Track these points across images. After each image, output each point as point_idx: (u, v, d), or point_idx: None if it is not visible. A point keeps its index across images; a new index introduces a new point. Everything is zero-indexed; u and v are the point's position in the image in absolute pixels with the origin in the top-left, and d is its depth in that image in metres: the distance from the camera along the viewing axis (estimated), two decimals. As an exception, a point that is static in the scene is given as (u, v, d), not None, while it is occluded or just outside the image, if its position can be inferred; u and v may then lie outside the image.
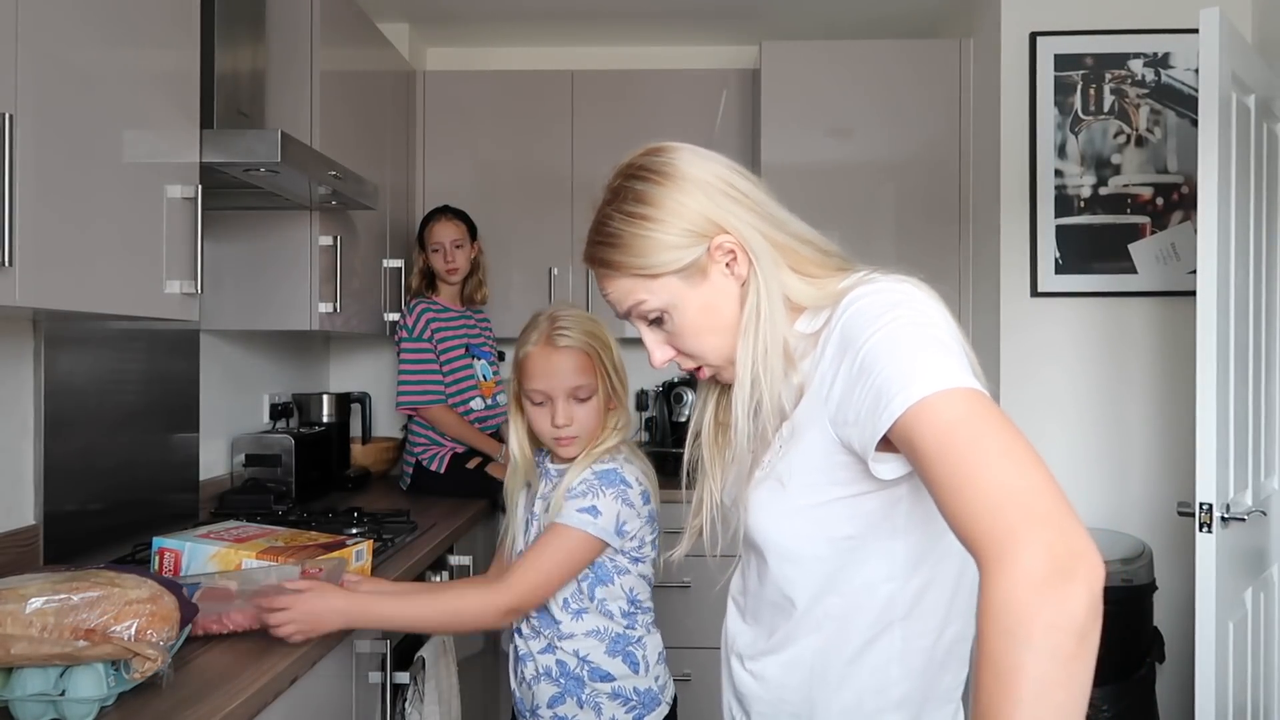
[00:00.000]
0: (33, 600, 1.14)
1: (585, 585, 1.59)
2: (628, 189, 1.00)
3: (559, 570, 1.53)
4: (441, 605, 1.57)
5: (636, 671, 1.60)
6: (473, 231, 3.01)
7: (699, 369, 1.06)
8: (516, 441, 1.64)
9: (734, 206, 0.99)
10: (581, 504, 1.54)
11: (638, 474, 1.59)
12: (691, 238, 0.98)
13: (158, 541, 1.68)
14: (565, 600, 1.59)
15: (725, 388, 1.07)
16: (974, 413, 0.82)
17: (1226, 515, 2.04)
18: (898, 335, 0.88)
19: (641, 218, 0.99)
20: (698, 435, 1.11)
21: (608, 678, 1.59)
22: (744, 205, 1.00)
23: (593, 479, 1.55)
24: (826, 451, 0.94)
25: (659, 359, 1.05)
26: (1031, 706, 0.68)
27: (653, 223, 0.98)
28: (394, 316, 2.98)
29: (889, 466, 0.91)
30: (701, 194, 0.98)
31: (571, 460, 1.59)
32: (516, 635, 1.66)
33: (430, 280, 2.99)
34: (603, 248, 1.02)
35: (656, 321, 1.03)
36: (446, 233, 2.94)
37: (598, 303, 3.31)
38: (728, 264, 1.00)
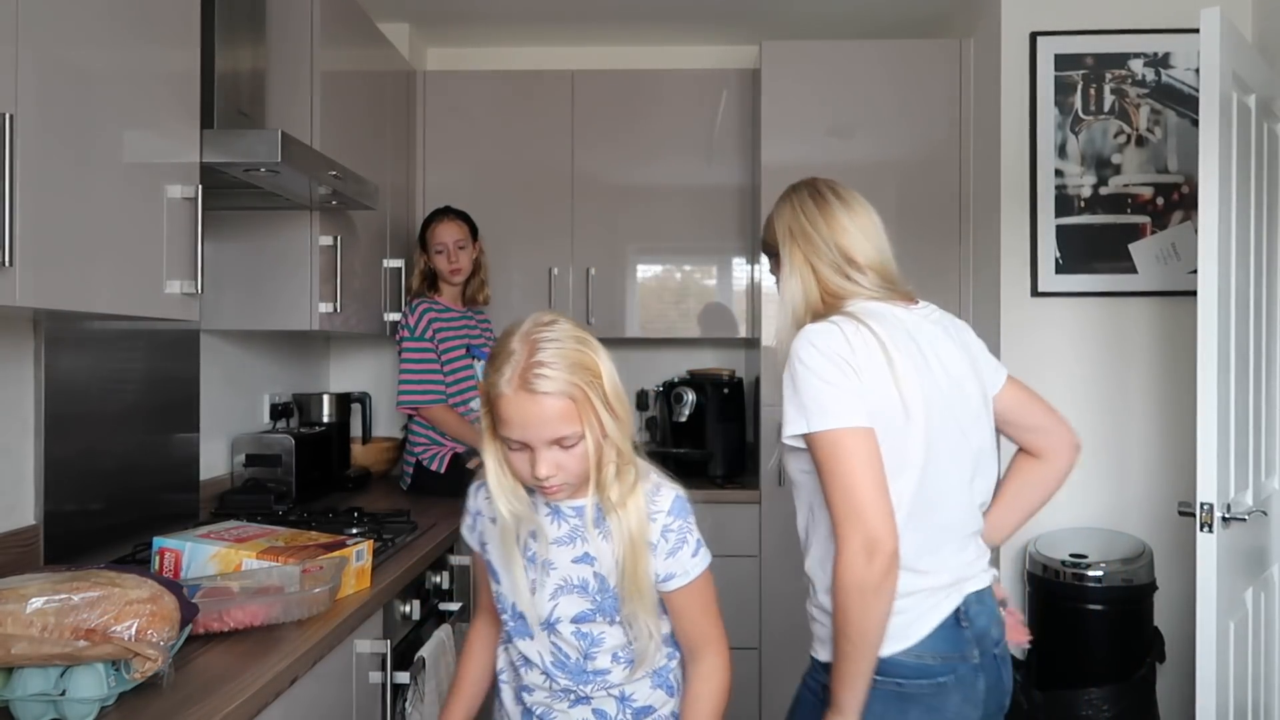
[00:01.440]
0: (33, 600, 1.14)
1: None
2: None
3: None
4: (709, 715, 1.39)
5: (673, 695, 1.44)
6: (474, 232, 3.01)
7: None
8: (498, 483, 1.33)
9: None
10: (690, 550, 1.38)
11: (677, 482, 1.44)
12: None
13: (158, 541, 1.69)
14: (616, 653, 1.38)
15: None
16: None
17: (1227, 515, 2.04)
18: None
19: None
20: None
21: (648, 711, 1.42)
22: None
23: (671, 521, 1.38)
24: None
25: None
26: (848, 624, 1.32)
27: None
28: (394, 316, 2.98)
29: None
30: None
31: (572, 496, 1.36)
32: (525, 693, 1.43)
33: (431, 281, 2.99)
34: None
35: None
36: (450, 233, 2.94)
37: (597, 303, 3.31)
38: None
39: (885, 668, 1.38)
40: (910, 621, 1.40)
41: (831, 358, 1.37)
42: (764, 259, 1.71)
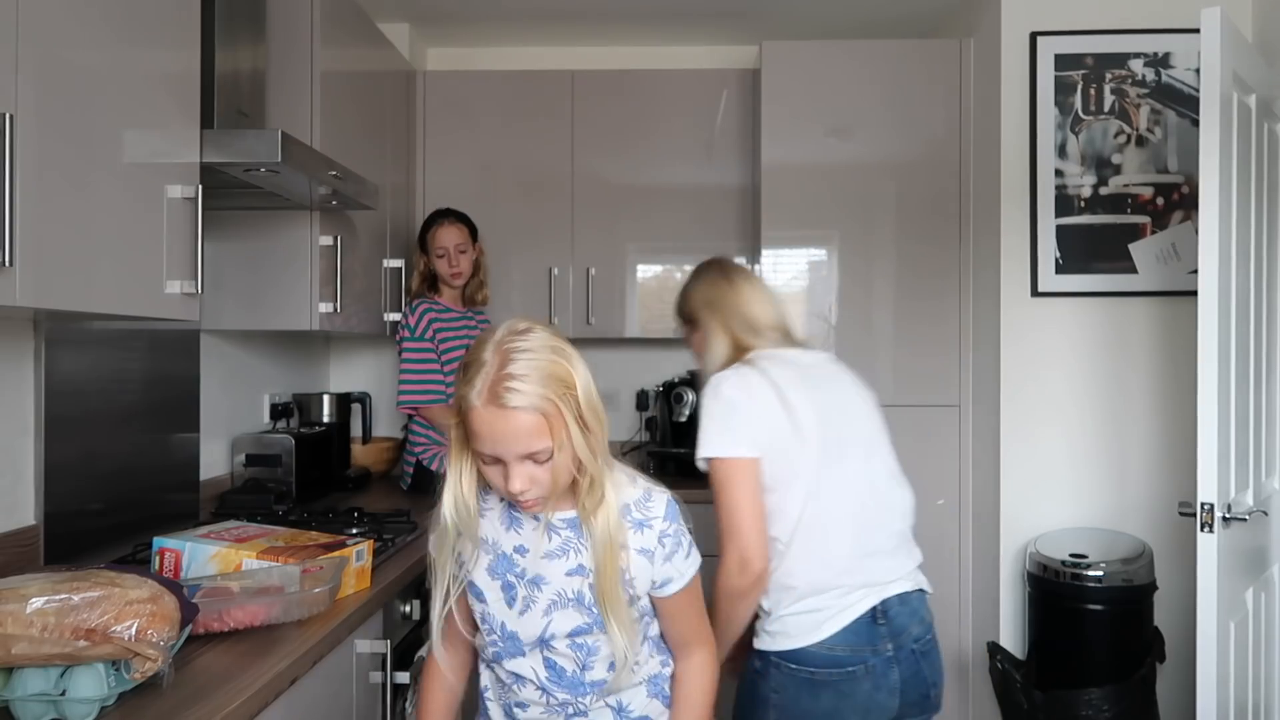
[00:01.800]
0: (33, 600, 1.14)
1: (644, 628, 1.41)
2: None
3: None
4: (699, 712, 1.43)
5: (669, 705, 1.43)
6: (474, 234, 3.01)
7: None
8: (453, 490, 1.31)
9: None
10: (684, 553, 1.39)
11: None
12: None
13: (158, 541, 1.69)
14: (613, 662, 1.35)
15: None
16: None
17: (1228, 515, 2.04)
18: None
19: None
20: None
21: None
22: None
23: (668, 526, 1.37)
24: None
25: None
26: (719, 620, 1.61)
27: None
28: (394, 316, 2.98)
29: None
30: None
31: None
32: (518, 709, 1.40)
33: (432, 282, 2.99)
34: None
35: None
36: (450, 237, 2.94)
37: (597, 303, 3.31)
38: None
39: (799, 657, 1.64)
40: (823, 620, 1.64)
41: (727, 400, 1.71)
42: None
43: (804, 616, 1.65)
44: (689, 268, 3.39)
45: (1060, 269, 2.82)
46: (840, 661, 1.63)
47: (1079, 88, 2.82)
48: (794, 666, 1.64)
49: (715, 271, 1.93)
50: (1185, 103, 2.79)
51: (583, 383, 1.27)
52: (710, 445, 1.69)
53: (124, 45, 1.53)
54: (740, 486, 1.65)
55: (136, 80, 1.57)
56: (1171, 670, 2.70)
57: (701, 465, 1.72)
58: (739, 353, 1.81)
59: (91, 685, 1.14)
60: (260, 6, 2.22)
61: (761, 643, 1.70)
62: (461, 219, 2.98)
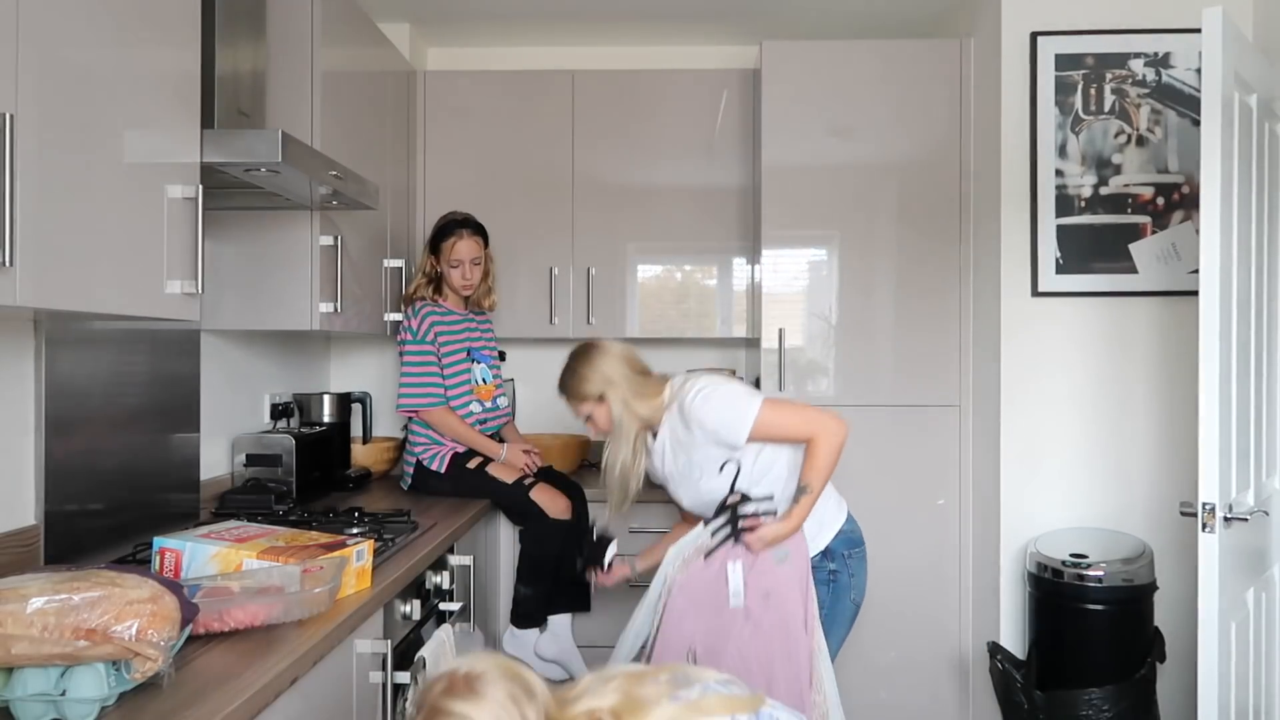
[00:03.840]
0: (34, 600, 1.14)
1: None
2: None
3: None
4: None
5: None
6: (486, 242, 3.00)
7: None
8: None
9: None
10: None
11: None
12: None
13: (158, 541, 1.69)
14: None
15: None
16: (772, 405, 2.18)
17: (1229, 515, 2.04)
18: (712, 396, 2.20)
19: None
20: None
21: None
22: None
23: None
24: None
25: (592, 434, 2.35)
26: (830, 467, 2.15)
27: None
28: (395, 316, 2.98)
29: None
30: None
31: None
32: None
33: (436, 285, 2.98)
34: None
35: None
36: (469, 251, 2.91)
37: (597, 303, 3.31)
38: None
39: (848, 539, 2.27)
40: (833, 519, 2.28)
41: (720, 384, 2.23)
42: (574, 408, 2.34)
43: (830, 514, 2.27)
44: (689, 268, 3.43)
45: (1060, 269, 2.82)
46: (857, 539, 2.30)
47: (1079, 88, 2.82)
48: (847, 551, 2.25)
49: (597, 354, 2.30)
50: (1186, 103, 2.79)
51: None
52: (746, 406, 2.15)
53: (124, 45, 1.53)
54: (783, 406, 2.18)
55: (137, 80, 1.57)
56: (1171, 670, 2.70)
57: (747, 428, 2.14)
58: (657, 402, 2.26)
59: (92, 685, 1.14)
60: (260, 6, 2.22)
61: (819, 544, 2.22)
62: (478, 230, 2.95)
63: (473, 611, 2.53)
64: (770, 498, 2.15)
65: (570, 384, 2.30)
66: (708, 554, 2.13)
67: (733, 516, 2.13)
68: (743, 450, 2.18)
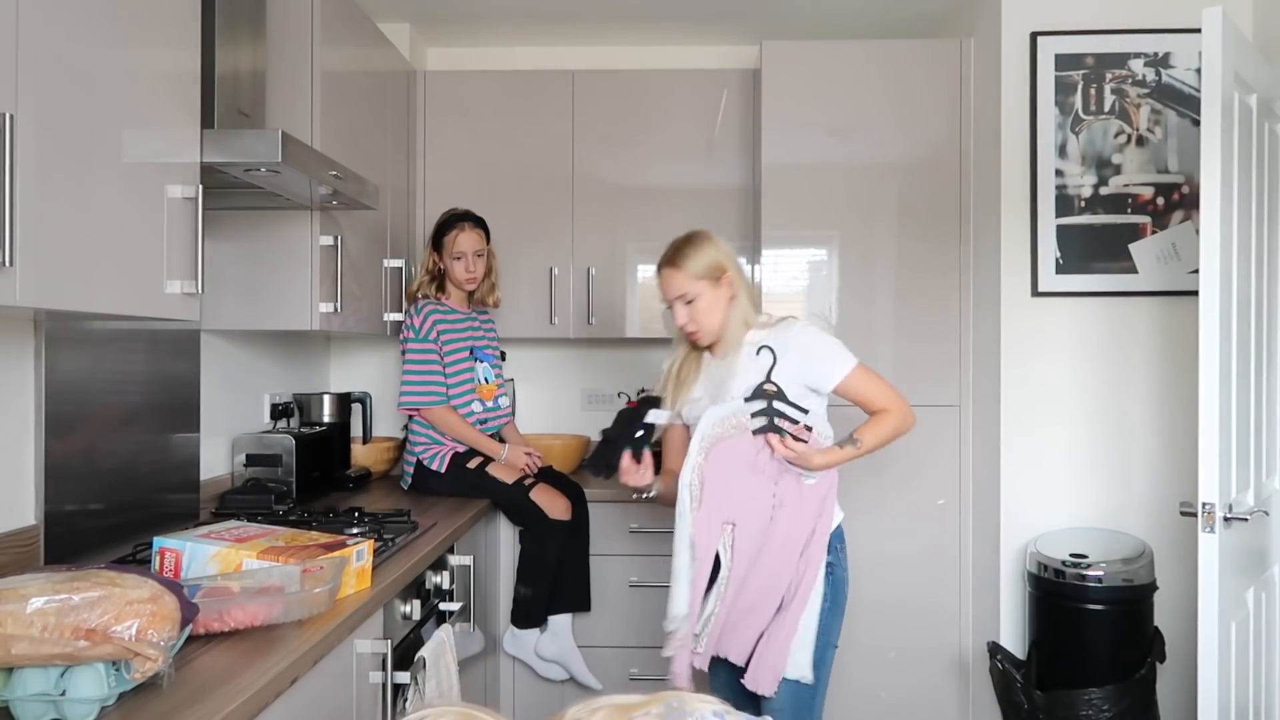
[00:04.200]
0: (34, 600, 1.14)
1: None
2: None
3: None
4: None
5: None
6: (488, 237, 3.01)
7: (687, 329, 2.16)
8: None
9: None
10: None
11: None
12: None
13: (158, 541, 1.69)
14: None
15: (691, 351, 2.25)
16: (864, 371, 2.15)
17: (1229, 515, 2.04)
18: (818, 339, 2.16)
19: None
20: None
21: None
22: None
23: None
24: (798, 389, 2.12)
25: (680, 318, 2.15)
26: (894, 437, 2.16)
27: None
28: (395, 316, 2.98)
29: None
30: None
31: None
32: None
33: (439, 282, 2.98)
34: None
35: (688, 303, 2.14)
36: (471, 243, 2.92)
37: (597, 303, 3.31)
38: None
39: (834, 536, 2.16)
40: (836, 512, 2.20)
41: (827, 334, 2.19)
42: (689, 285, 2.13)
43: (835, 507, 2.19)
44: (689, 268, 3.41)
45: (1060, 269, 2.82)
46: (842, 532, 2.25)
47: (1079, 88, 2.82)
48: (839, 545, 2.19)
49: (713, 237, 2.18)
50: (1185, 103, 2.79)
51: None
52: (847, 356, 2.13)
53: (124, 45, 1.53)
54: (876, 374, 2.16)
55: (136, 80, 1.57)
56: (1171, 670, 2.70)
57: (844, 373, 2.11)
58: (754, 309, 2.19)
59: (91, 685, 1.14)
60: (260, 6, 2.22)
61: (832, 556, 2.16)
62: (480, 224, 2.96)
63: (473, 611, 2.53)
64: (807, 412, 2.07)
65: (687, 256, 2.11)
66: (756, 431, 2.04)
67: (770, 408, 2.04)
68: (811, 396, 2.11)
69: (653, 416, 2.15)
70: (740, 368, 2.11)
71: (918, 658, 3.10)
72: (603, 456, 2.15)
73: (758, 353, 2.10)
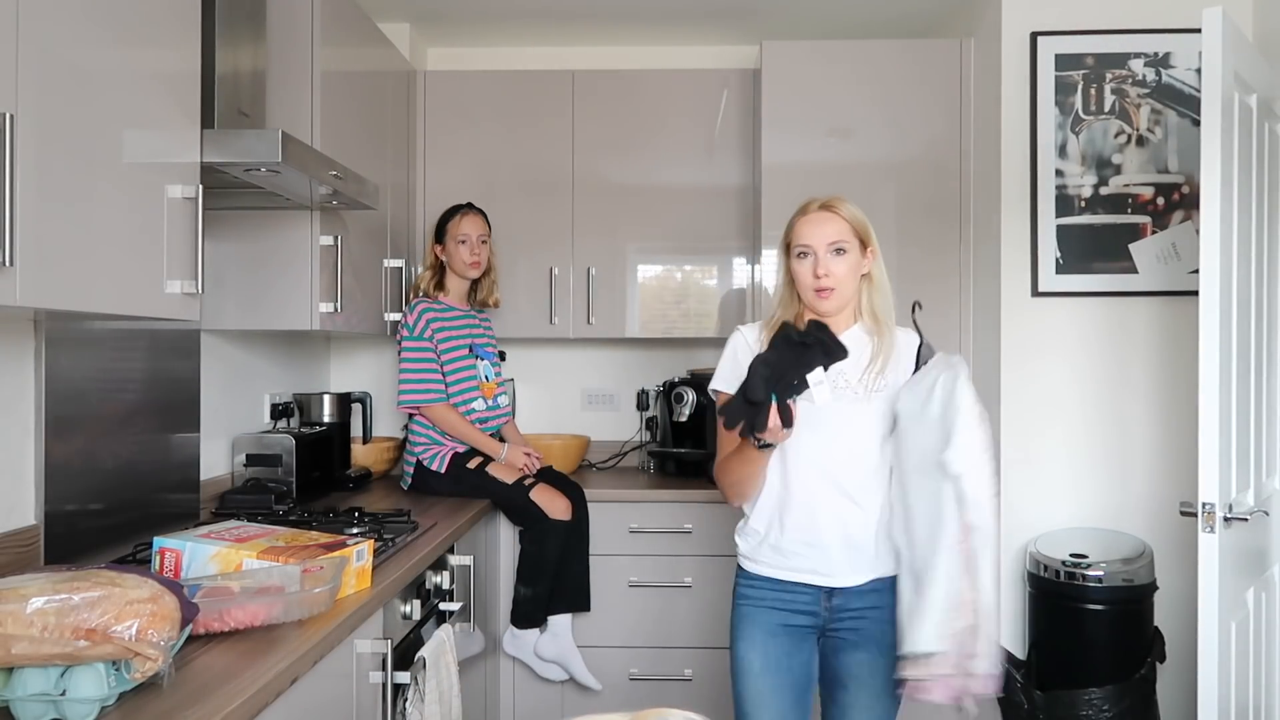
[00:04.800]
0: (34, 600, 1.14)
1: None
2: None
3: None
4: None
5: None
6: (489, 230, 3.03)
7: (824, 289, 1.84)
8: None
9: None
10: None
11: None
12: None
13: (158, 541, 1.69)
14: None
15: None
16: None
17: (1229, 515, 2.04)
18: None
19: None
20: None
21: None
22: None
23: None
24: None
25: (822, 271, 1.83)
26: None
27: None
28: (395, 316, 2.98)
29: None
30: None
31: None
32: None
33: (439, 280, 2.99)
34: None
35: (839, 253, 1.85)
36: (475, 227, 2.96)
37: (597, 303, 3.31)
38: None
39: None
40: None
41: None
42: (844, 246, 1.86)
43: None
44: (689, 268, 3.42)
45: (1061, 269, 2.82)
46: None
47: (1079, 88, 2.82)
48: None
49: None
50: (1185, 103, 2.79)
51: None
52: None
53: (124, 45, 1.53)
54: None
55: (136, 80, 1.57)
56: (1171, 670, 2.69)
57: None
58: None
59: (92, 685, 1.14)
60: (260, 6, 2.22)
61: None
62: (483, 213, 3.02)
63: (473, 611, 2.53)
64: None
65: (848, 204, 1.88)
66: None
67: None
68: (927, 461, 1.73)
69: (814, 378, 1.66)
70: (899, 353, 1.88)
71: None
72: (748, 411, 1.64)
73: (919, 355, 1.87)
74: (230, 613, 1.45)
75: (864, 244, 1.86)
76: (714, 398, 1.92)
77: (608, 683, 2.99)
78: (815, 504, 1.84)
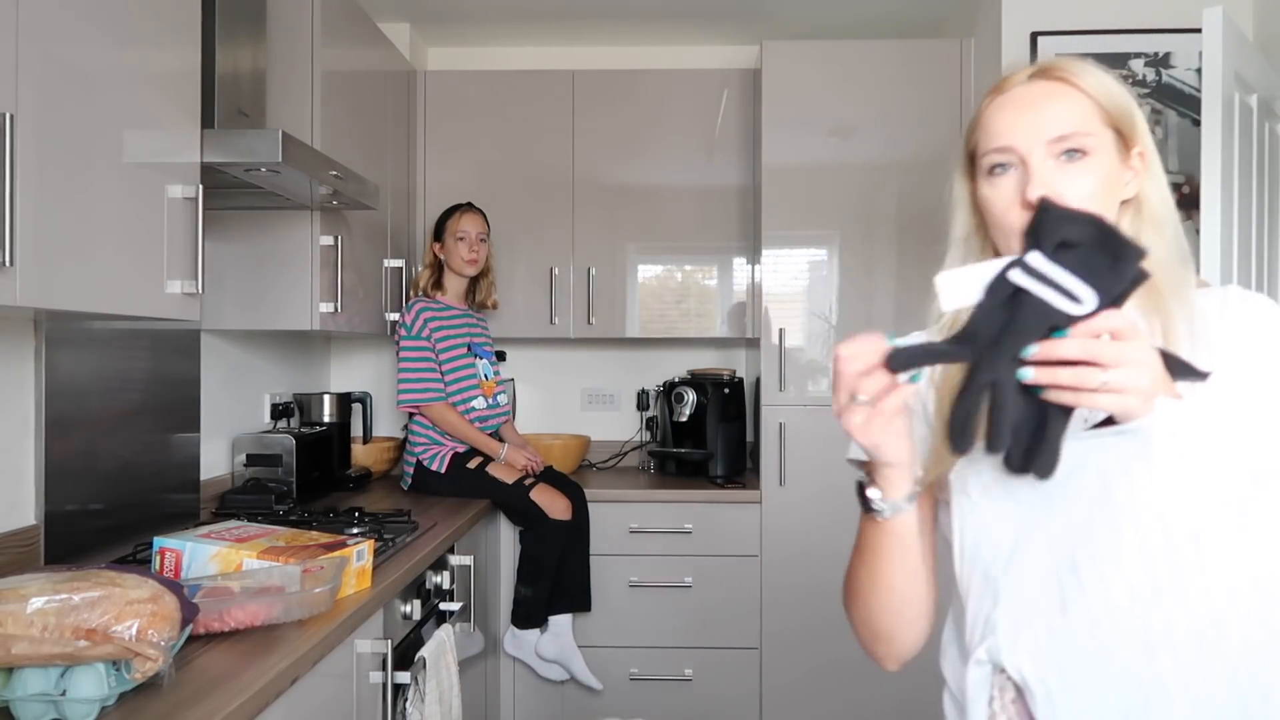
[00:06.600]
0: (34, 600, 1.14)
1: None
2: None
3: None
4: None
5: None
6: (489, 230, 3.05)
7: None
8: None
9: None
10: None
11: None
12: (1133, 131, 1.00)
13: (158, 541, 1.68)
14: None
15: None
16: None
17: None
18: None
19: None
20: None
21: None
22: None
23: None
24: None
25: (1038, 194, 0.93)
26: None
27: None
28: (395, 316, 2.98)
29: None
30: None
31: None
32: None
33: (438, 280, 2.99)
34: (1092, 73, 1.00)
35: (1073, 154, 0.97)
36: (474, 224, 2.97)
37: (598, 303, 3.31)
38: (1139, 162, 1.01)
39: None
40: None
41: None
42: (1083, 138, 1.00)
43: None
44: (689, 268, 3.42)
45: (1061, 269, 2.82)
46: None
47: (1079, 87, 2.82)
48: None
49: None
50: (1186, 102, 2.79)
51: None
52: None
53: (124, 45, 1.53)
54: None
55: (136, 80, 1.57)
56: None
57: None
58: None
59: (92, 685, 1.14)
60: (260, 6, 2.22)
61: None
62: (482, 212, 3.03)
63: (473, 611, 2.53)
64: None
65: (1092, 72, 1.01)
66: None
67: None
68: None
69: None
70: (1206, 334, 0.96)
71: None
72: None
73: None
74: (230, 613, 1.45)
75: (1125, 141, 1.00)
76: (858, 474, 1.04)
77: (608, 683, 2.99)
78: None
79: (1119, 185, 1.00)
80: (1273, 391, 0.92)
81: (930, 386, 1.05)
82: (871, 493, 0.97)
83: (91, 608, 1.15)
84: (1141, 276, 0.80)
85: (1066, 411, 0.80)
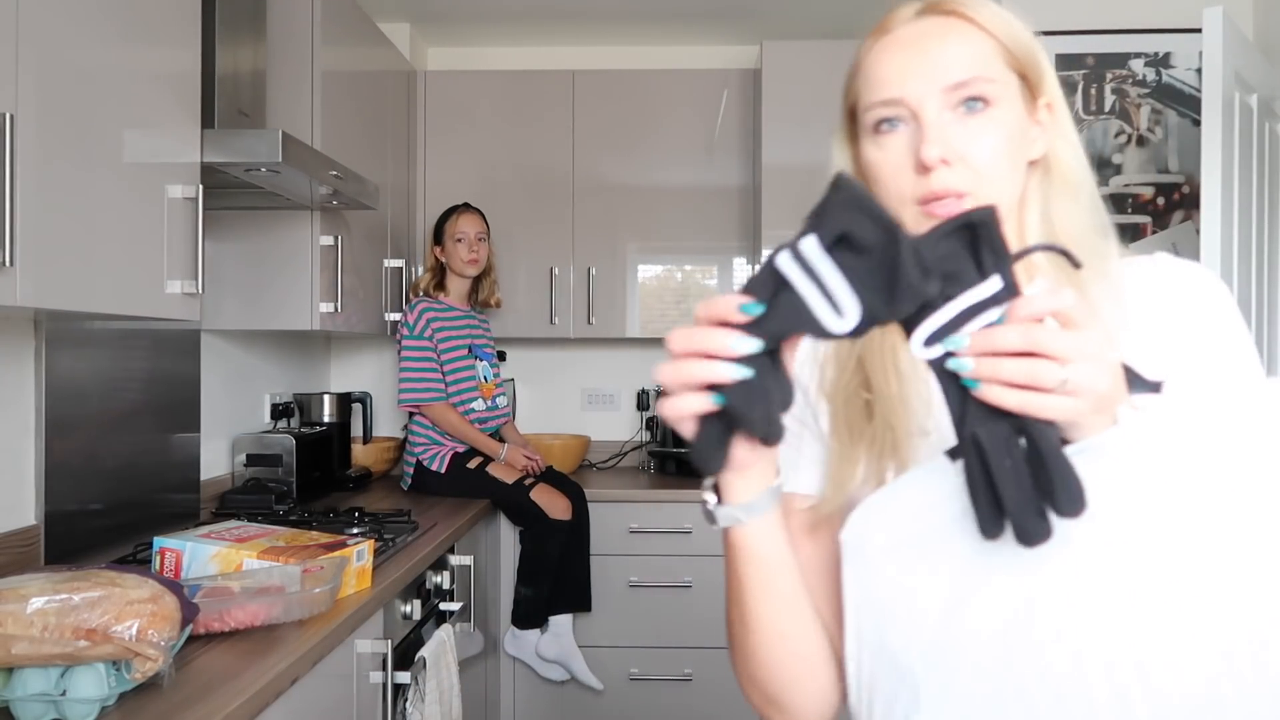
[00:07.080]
0: (34, 600, 1.14)
1: None
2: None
3: None
4: None
5: None
6: (488, 230, 3.05)
7: (946, 195, 0.78)
8: None
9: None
10: None
11: None
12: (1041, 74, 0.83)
13: (159, 541, 1.68)
14: None
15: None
16: None
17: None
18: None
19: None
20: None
21: None
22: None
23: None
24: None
25: (935, 154, 0.78)
26: None
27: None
28: (395, 316, 2.98)
29: None
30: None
31: None
32: None
33: (439, 280, 3.00)
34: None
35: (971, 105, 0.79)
36: (473, 224, 2.97)
37: (598, 303, 3.31)
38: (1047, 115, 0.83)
39: None
40: None
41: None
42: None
43: None
44: (689, 268, 3.42)
45: (1061, 269, 2.82)
46: None
47: (1080, 88, 2.82)
48: None
49: None
50: (1186, 103, 2.79)
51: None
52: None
53: (124, 45, 1.53)
54: None
55: (137, 80, 1.57)
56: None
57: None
58: None
59: (92, 685, 1.14)
60: (260, 6, 2.22)
61: None
62: (480, 212, 3.04)
63: (473, 611, 2.53)
64: None
65: (1007, 23, 0.84)
66: None
67: None
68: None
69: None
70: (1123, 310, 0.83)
71: None
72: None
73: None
74: (230, 613, 1.45)
75: (1031, 90, 0.84)
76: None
77: (608, 683, 2.99)
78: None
79: (1026, 142, 0.82)
80: (1233, 381, 0.80)
81: (820, 395, 0.86)
82: (707, 495, 0.78)
83: (91, 608, 1.15)
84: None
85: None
